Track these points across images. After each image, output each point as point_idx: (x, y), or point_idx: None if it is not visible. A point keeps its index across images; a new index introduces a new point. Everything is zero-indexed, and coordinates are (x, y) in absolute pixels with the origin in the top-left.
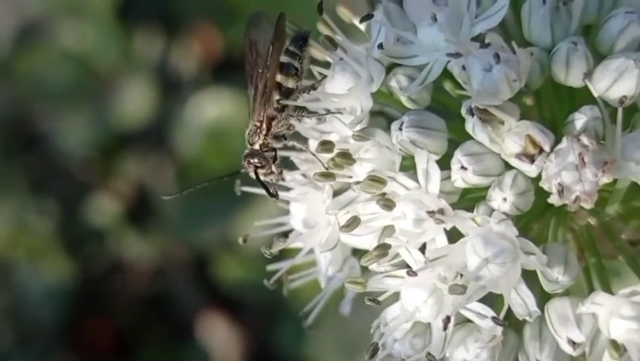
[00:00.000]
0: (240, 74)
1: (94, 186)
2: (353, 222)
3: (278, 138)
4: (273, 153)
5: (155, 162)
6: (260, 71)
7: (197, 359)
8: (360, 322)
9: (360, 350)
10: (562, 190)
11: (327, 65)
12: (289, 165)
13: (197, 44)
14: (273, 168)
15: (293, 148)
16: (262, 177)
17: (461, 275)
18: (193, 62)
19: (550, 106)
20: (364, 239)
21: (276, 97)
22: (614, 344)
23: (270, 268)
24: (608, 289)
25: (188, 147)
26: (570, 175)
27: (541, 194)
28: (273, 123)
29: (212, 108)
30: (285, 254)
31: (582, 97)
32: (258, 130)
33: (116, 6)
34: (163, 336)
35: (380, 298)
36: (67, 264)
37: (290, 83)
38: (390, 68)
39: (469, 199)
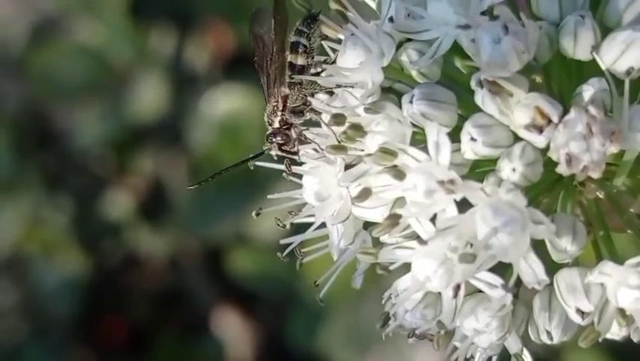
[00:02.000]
0: (253, 68)
1: (109, 181)
2: (364, 194)
3: (296, 113)
4: (294, 129)
5: (169, 156)
6: (269, 58)
7: (210, 352)
8: (372, 315)
9: (372, 344)
10: (570, 160)
11: (339, 42)
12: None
13: (210, 40)
14: (296, 144)
15: (311, 121)
16: (287, 152)
17: (471, 245)
18: (206, 58)
19: (559, 80)
20: (376, 212)
21: (288, 74)
22: (622, 313)
23: (283, 242)
24: (616, 260)
25: (201, 141)
26: (578, 145)
27: (551, 168)
28: (289, 100)
29: (225, 103)
30: (300, 230)
31: (590, 71)
32: (275, 108)
33: (130, 2)
34: (177, 329)
35: (391, 268)
36: (82, 258)
37: (300, 61)
38: (401, 44)
39: (479, 173)
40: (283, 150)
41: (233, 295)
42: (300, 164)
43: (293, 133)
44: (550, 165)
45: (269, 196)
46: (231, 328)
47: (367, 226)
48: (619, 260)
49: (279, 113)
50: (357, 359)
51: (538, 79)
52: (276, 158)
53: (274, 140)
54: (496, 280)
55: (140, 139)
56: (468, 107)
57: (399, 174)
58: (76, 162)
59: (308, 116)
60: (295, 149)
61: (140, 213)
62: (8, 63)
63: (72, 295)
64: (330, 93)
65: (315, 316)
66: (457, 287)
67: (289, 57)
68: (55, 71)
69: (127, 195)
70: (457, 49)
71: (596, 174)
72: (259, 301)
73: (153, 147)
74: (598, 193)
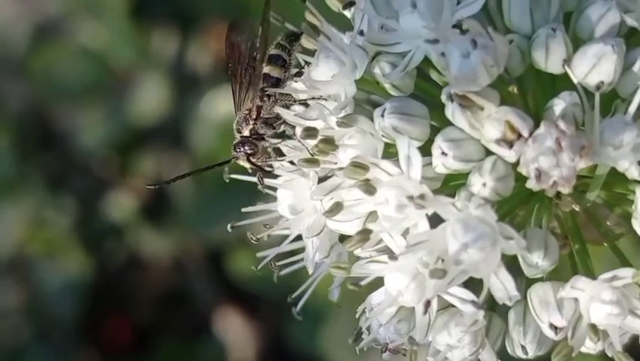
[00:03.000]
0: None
1: (111, 183)
2: (336, 208)
3: (267, 124)
4: (263, 140)
5: (171, 158)
6: (244, 67)
7: (213, 353)
8: None
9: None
10: (539, 175)
11: (313, 53)
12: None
13: (212, 42)
14: (263, 155)
15: (283, 134)
16: (254, 164)
17: (442, 260)
18: (208, 60)
19: (533, 92)
20: (349, 225)
21: (263, 85)
22: (594, 329)
23: (260, 255)
24: (590, 275)
25: (203, 143)
26: (547, 160)
27: (526, 180)
28: (262, 111)
29: (226, 105)
30: (280, 241)
31: (564, 83)
32: (247, 117)
33: (132, 4)
34: (180, 331)
35: (363, 283)
36: (85, 260)
37: (276, 73)
38: (375, 56)
39: (453, 186)
40: (250, 162)
41: (235, 296)
42: (274, 176)
43: (262, 144)
44: (525, 177)
45: (243, 209)
46: (234, 329)
47: (343, 238)
48: (594, 274)
49: (251, 122)
50: None
51: (515, 90)
52: (250, 171)
53: (242, 149)
54: (468, 295)
55: (142, 140)
56: (442, 120)
57: (370, 189)
58: (78, 163)
59: (280, 128)
60: (262, 161)
61: (142, 214)
62: (11, 64)
63: (75, 297)
64: (304, 106)
65: (316, 318)
66: (428, 303)
67: (266, 68)
68: (58, 72)
69: (129, 196)
70: (431, 61)
71: (565, 190)
72: (261, 303)
73: (155, 149)
74: (574, 206)
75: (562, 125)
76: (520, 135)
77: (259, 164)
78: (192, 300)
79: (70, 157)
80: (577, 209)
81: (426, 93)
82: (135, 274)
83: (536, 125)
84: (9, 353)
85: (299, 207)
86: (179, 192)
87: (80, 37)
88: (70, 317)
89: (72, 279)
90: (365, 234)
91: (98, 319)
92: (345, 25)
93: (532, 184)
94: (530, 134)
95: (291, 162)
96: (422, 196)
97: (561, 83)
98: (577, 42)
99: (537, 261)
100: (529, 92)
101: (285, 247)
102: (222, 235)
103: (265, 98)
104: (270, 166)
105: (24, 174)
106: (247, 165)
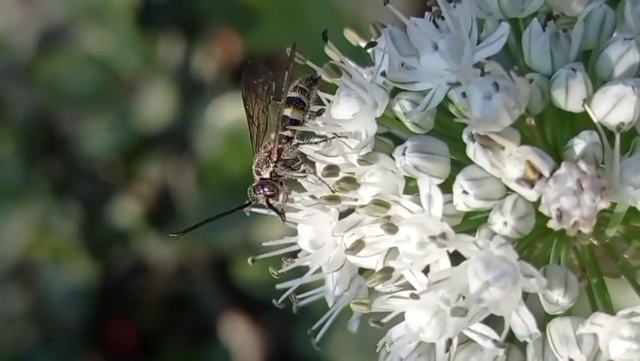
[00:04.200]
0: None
1: (116, 188)
2: (357, 246)
3: (287, 166)
4: (282, 181)
5: (176, 164)
6: (261, 109)
7: (218, 358)
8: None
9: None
10: (560, 215)
11: (333, 89)
12: (297, 186)
13: (217, 49)
14: (282, 196)
15: (303, 173)
16: (272, 207)
17: (463, 297)
18: (213, 66)
19: (553, 129)
20: (370, 259)
21: (282, 125)
22: None
23: (280, 286)
24: (609, 309)
25: (208, 149)
26: (569, 200)
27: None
28: (283, 153)
29: (232, 111)
30: (296, 271)
31: (584, 120)
32: (268, 159)
33: (138, 11)
34: (185, 336)
35: (385, 320)
36: (90, 265)
37: (295, 115)
38: (395, 91)
39: (473, 220)
40: (270, 204)
41: (240, 302)
42: (294, 209)
43: (281, 186)
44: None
45: (264, 244)
46: (239, 335)
47: (363, 270)
48: (612, 309)
49: (272, 165)
50: None
51: (532, 122)
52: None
53: (262, 190)
54: (489, 332)
55: (148, 147)
56: (463, 153)
57: (391, 228)
58: (84, 169)
59: (300, 168)
60: (281, 202)
61: (147, 220)
62: (16, 70)
63: (81, 302)
64: (325, 143)
65: (322, 323)
66: (449, 341)
67: (286, 111)
68: (63, 78)
69: (135, 202)
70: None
71: (586, 229)
72: (267, 309)
73: (161, 155)
74: (592, 239)
75: (582, 166)
76: (541, 175)
77: (278, 207)
78: (197, 305)
79: (76, 163)
80: (594, 242)
81: (444, 127)
82: (140, 279)
83: (556, 160)
84: (15, 358)
85: (319, 242)
86: (185, 198)
87: (86, 43)
88: (75, 322)
89: (77, 284)
90: (387, 272)
91: (103, 324)
92: (364, 56)
93: (553, 224)
94: (551, 173)
95: (312, 196)
96: (444, 235)
97: (581, 119)
98: (596, 80)
99: (557, 298)
100: (549, 126)
101: (307, 278)
102: (227, 241)
103: (284, 140)
104: (290, 202)
105: (30, 180)
106: (264, 206)
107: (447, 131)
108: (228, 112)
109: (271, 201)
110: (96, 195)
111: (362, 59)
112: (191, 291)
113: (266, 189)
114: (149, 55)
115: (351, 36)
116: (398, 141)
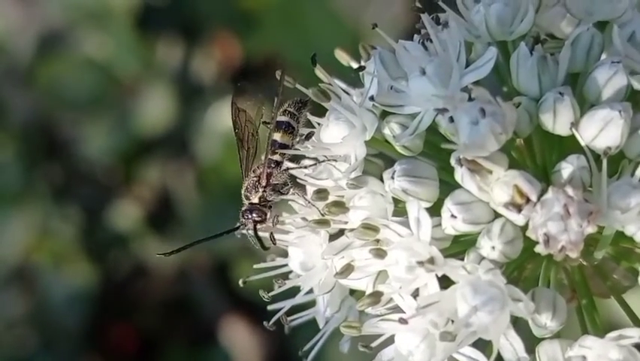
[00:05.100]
0: (259, 80)
1: (116, 192)
2: (347, 270)
3: (276, 191)
4: (270, 206)
5: (176, 167)
6: (251, 133)
7: None
8: None
9: None
10: (548, 240)
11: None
12: (288, 207)
13: (216, 52)
14: (270, 222)
15: (292, 196)
16: (259, 232)
17: (452, 321)
18: (213, 70)
19: (541, 150)
20: (361, 281)
21: (271, 149)
22: None
23: (271, 308)
24: (598, 331)
25: (208, 153)
26: (556, 225)
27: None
28: (272, 178)
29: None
30: (288, 292)
31: (572, 142)
32: (257, 183)
33: (137, 15)
34: (186, 340)
35: (374, 344)
36: (90, 269)
37: (284, 140)
38: (385, 113)
39: (462, 243)
40: (256, 230)
41: (240, 305)
42: (285, 231)
43: (270, 210)
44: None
45: (255, 266)
46: (239, 338)
47: (354, 291)
48: (600, 331)
49: (260, 190)
50: None
51: (522, 142)
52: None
53: (250, 216)
54: (478, 355)
55: (148, 150)
56: (452, 175)
57: (380, 253)
58: (84, 172)
59: (290, 192)
60: (269, 226)
61: (147, 223)
62: (16, 75)
63: (81, 305)
64: (314, 166)
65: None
66: None
67: (275, 135)
68: (63, 82)
69: (134, 205)
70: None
71: (574, 254)
72: (266, 312)
73: (160, 158)
74: (581, 260)
75: (570, 190)
76: (528, 199)
77: (266, 229)
78: (198, 309)
79: (76, 167)
80: (584, 263)
81: (434, 146)
82: (140, 282)
83: (545, 182)
84: None
85: (310, 264)
86: (185, 201)
87: (86, 47)
88: (76, 325)
89: (78, 288)
90: (376, 296)
91: (103, 328)
92: (354, 77)
93: (540, 249)
94: (539, 198)
95: (303, 218)
96: (432, 260)
97: (569, 141)
98: (584, 103)
99: (546, 322)
100: (537, 147)
101: (299, 299)
102: (227, 244)
103: (273, 165)
104: (279, 224)
105: (30, 184)
106: (251, 233)
107: (437, 152)
108: (228, 115)
109: (259, 226)
110: (96, 198)
111: (352, 78)
112: (192, 294)
113: (254, 215)
114: (148, 59)
115: (342, 57)
116: (388, 161)
